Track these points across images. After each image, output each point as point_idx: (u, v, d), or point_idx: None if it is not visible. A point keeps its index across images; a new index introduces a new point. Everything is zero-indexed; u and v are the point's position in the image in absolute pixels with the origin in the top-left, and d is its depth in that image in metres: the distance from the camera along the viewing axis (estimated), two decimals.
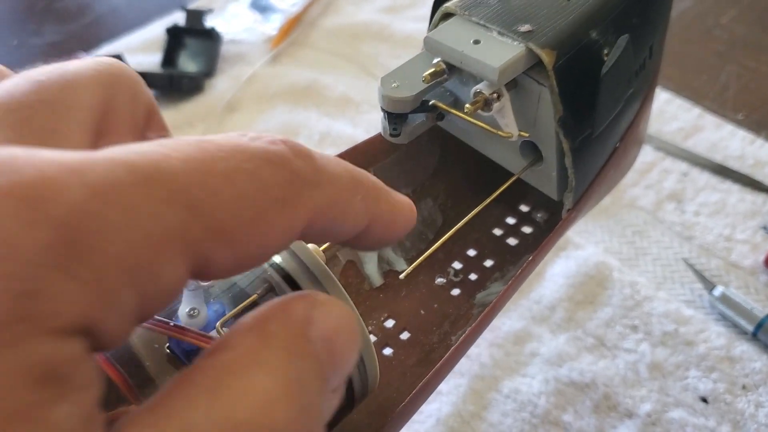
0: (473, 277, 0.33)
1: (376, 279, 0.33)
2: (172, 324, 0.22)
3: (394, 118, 0.28)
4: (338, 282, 0.23)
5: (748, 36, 0.70)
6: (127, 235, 0.13)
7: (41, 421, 0.12)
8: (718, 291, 0.47)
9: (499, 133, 0.27)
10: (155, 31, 0.72)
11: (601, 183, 0.31)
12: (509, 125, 0.27)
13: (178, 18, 0.72)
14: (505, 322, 0.48)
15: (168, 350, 0.23)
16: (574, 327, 0.47)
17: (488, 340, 0.47)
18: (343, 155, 0.32)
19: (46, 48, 0.73)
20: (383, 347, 0.31)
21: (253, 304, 0.23)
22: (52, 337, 0.12)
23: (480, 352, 0.46)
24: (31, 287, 0.12)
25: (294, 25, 0.72)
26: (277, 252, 0.16)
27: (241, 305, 0.22)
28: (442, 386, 0.44)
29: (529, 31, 0.26)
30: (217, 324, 0.22)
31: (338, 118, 0.63)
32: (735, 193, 0.55)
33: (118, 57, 0.65)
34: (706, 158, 0.58)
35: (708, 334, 0.46)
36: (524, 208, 0.36)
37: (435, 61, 0.27)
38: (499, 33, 0.26)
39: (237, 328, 0.15)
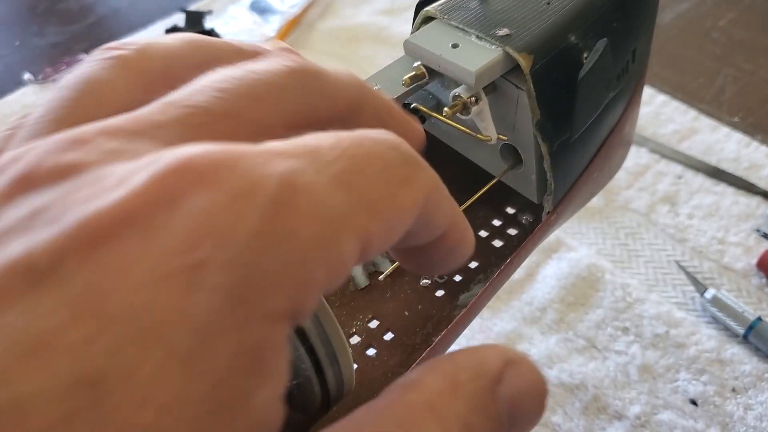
0: (458, 278, 0.34)
1: (361, 280, 0.33)
2: None
3: None
4: (337, 324, 0.23)
5: (745, 39, 0.70)
6: (317, 217, 0.13)
7: (244, 408, 0.13)
8: (710, 294, 0.48)
9: (478, 136, 0.27)
10: (155, 32, 0.73)
11: (584, 185, 0.31)
12: (488, 129, 0.27)
13: (179, 20, 0.72)
14: (497, 323, 0.48)
15: None
16: (565, 328, 0.47)
17: (478, 341, 0.47)
18: None
19: (49, 49, 0.74)
20: (367, 348, 0.32)
21: None
22: (266, 322, 0.13)
23: None
24: (248, 273, 0.13)
25: (293, 27, 0.73)
26: (407, 228, 0.16)
27: None
28: None
29: (507, 35, 0.26)
30: None
31: None
32: (729, 195, 0.55)
33: None
34: (701, 161, 0.58)
35: (699, 336, 0.46)
36: (510, 210, 0.36)
37: (415, 64, 0.28)
38: (478, 37, 0.27)
39: (429, 366, 0.16)
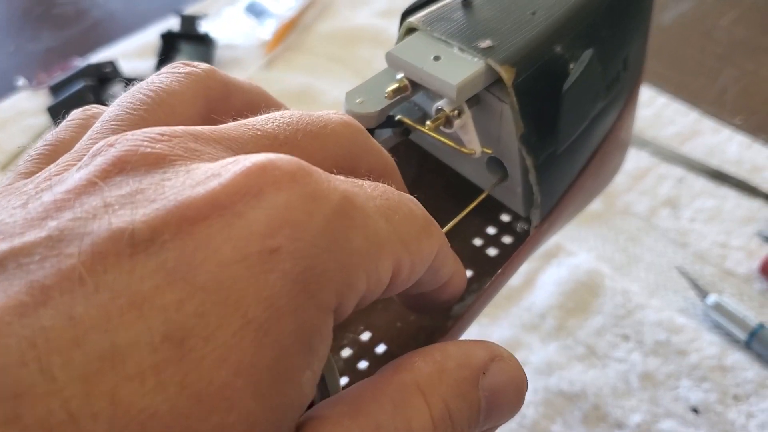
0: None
1: None
2: None
3: None
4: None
5: (747, 39, 0.69)
6: (367, 233, 0.16)
7: (296, 383, 0.15)
8: (712, 299, 0.47)
9: (462, 149, 0.26)
10: (150, 36, 0.72)
11: (576, 196, 0.30)
12: (472, 142, 0.26)
13: (174, 24, 0.72)
14: (495, 330, 0.47)
15: None
16: (564, 335, 0.47)
17: None
18: None
19: (44, 53, 0.73)
20: (358, 360, 0.31)
21: None
22: (319, 311, 0.15)
23: None
24: (311, 264, 0.15)
25: (289, 29, 0.72)
26: (422, 273, 0.19)
27: None
28: None
29: (490, 47, 0.25)
30: None
31: None
32: (731, 198, 0.54)
33: (112, 64, 0.65)
34: (703, 163, 0.57)
35: (700, 343, 0.45)
36: (505, 218, 0.35)
37: (398, 76, 0.27)
38: (460, 49, 0.26)
39: (422, 351, 0.19)
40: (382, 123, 0.27)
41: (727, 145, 0.58)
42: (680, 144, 0.59)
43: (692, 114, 0.61)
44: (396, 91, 0.26)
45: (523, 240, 0.31)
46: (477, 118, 0.26)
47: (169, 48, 0.69)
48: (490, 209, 0.35)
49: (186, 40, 0.69)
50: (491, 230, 0.35)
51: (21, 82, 0.68)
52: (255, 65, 0.68)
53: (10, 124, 0.65)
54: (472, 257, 0.34)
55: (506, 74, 0.25)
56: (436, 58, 0.26)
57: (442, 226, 0.29)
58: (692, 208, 0.54)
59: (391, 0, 0.78)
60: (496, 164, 0.29)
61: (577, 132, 0.28)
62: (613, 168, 0.36)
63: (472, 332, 0.47)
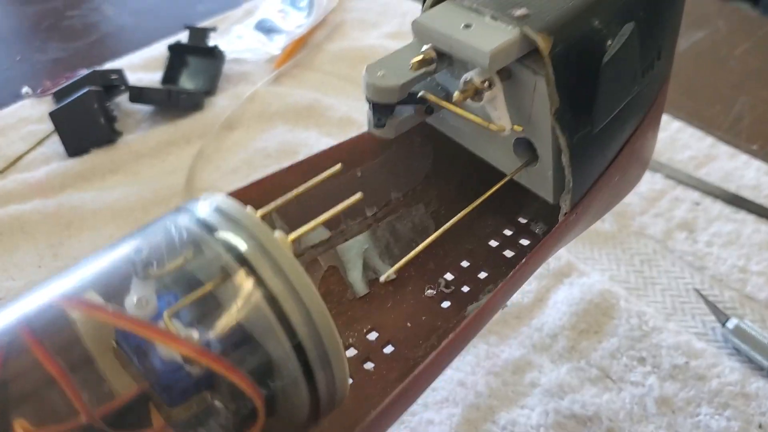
0: (466, 289, 0.31)
1: (361, 288, 0.31)
2: (118, 312, 0.20)
3: (380, 108, 0.26)
4: (305, 273, 0.20)
5: (762, 68, 0.68)
6: None
7: None
8: (732, 323, 0.45)
9: (491, 126, 0.25)
10: (158, 50, 0.71)
11: (605, 188, 0.28)
12: (502, 118, 0.25)
13: (183, 37, 0.71)
14: (504, 350, 0.45)
15: (116, 343, 0.21)
16: (577, 357, 0.44)
17: (485, 368, 0.44)
18: (329, 152, 0.31)
19: (49, 64, 0.72)
20: (364, 361, 0.29)
21: (209, 294, 0.21)
22: None
23: (476, 380, 0.43)
24: None
25: (299, 47, 0.71)
26: None
27: (193, 295, 0.20)
28: (435, 416, 0.41)
29: (525, 15, 0.24)
30: (165, 314, 0.19)
31: (339, 139, 0.61)
32: (750, 223, 0.53)
33: (119, 72, 0.64)
34: (720, 188, 0.55)
35: (721, 368, 0.43)
36: (522, 220, 0.34)
37: (424, 48, 0.25)
38: (492, 17, 0.24)
39: None
40: (404, 99, 0.26)
41: (744, 170, 0.57)
42: (696, 168, 0.57)
43: (708, 139, 0.60)
44: (421, 63, 0.25)
45: (542, 238, 0.29)
46: (507, 93, 0.25)
47: (176, 60, 0.68)
48: (508, 210, 0.33)
49: (194, 53, 0.68)
50: (507, 231, 0.33)
51: (25, 90, 0.67)
52: (263, 80, 0.67)
53: (11, 130, 0.63)
54: (487, 258, 0.32)
55: (543, 43, 0.23)
56: (467, 26, 0.24)
57: (458, 223, 0.27)
58: (709, 232, 0.52)
59: (401, 23, 0.78)
60: (524, 147, 0.28)
61: (612, 113, 0.26)
62: (634, 177, 0.34)
63: (479, 353, 0.45)
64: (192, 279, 0.21)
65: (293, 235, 0.22)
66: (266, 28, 0.73)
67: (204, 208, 0.22)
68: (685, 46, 0.71)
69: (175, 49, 0.68)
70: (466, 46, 0.24)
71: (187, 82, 0.67)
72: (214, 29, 0.70)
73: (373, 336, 0.30)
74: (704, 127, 0.61)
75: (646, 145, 0.31)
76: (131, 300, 0.20)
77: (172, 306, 0.20)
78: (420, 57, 0.25)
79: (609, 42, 0.25)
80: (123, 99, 0.64)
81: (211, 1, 0.83)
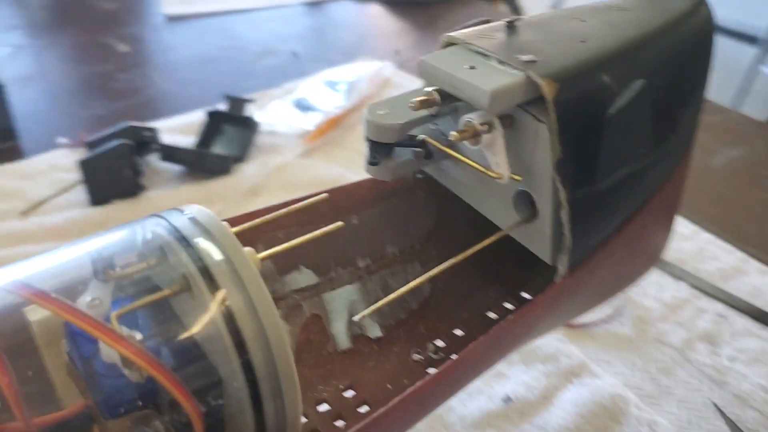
0: (454, 357, 0.29)
1: (343, 341, 0.29)
2: (69, 305, 0.19)
3: (377, 147, 0.25)
4: (266, 290, 0.19)
5: None
6: None
7: None
8: None
9: (489, 173, 0.24)
10: (196, 116, 0.73)
11: (608, 258, 0.27)
12: (500, 165, 0.24)
13: (222, 105, 0.73)
14: None
15: (68, 356, 0.20)
16: None
17: None
18: (330, 194, 0.30)
19: (91, 119, 0.75)
20: (336, 418, 0.27)
21: (165, 301, 0.19)
22: None
23: None
24: None
25: (333, 126, 0.72)
26: None
27: (147, 298, 0.19)
28: None
29: (532, 61, 0.23)
30: (113, 314, 0.18)
31: None
32: None
33: (153, 130, 0.65)
34: (747, 302, 0.53)
35: None
36: (526, 295, 0.32)
37: (428, 89, 0.25)
38: (499, 61, 0.24)
39: None
40: (403, 142, 0.25)
41: None
42: (723, 281, 0.55)
43: (738, 253, 0.58)
44: (423, 103, 0.24)
45: (539, 293, 0.28)
46: (508, 141, 0.24)
47: (212, 127, 0.69)
48: (511, 283, 0.32)
49: (230, 121, 0.70)
50: (508, 305, 0.32)
51: (61, 140, 0.69)
52: (293, 153, 0.68)
53: (40, 175, 0.65)
54: (483, 329, 0.30)
55: (548, 88, 0.23)
56: (472, 68, 0.24)
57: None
58: (733, 346, 0.49)
59: None
60: (524, 203, 0.26)
61: (617, 172, 0.25)
62: (653, 247, 0.32)
63: None
64: (153, 286, 0.20)
65: (264, 254, 0.20)
66: (304, 106, 0.75)
67: (179, 216, 0.21)
68: (721, 162, 0.70)
69: (213, 116, 0.69)
70: (467, 85, 0.23)
71: (219, 147, 0.68)
72: (252, 100, 0.71)
73: (349, 393, 0.28)
74: (735, 242, 0.59)
75: (654, 231, 0.30)
76: (84, 299, 0.19)
77: (124, 307, 0.19)
78: (422, 97, 0.24)
79: (617, 95, 0.24)
80: (154, 158, 0.65)
81: (256, 79, 0.85)
